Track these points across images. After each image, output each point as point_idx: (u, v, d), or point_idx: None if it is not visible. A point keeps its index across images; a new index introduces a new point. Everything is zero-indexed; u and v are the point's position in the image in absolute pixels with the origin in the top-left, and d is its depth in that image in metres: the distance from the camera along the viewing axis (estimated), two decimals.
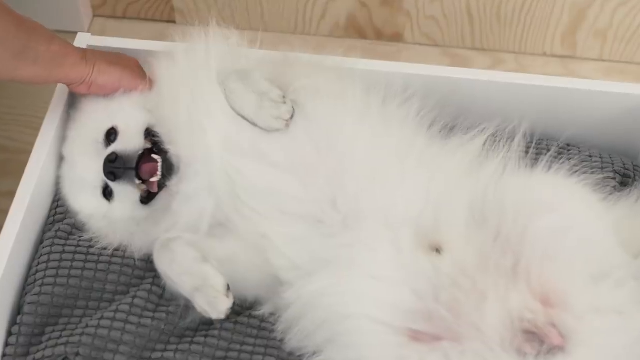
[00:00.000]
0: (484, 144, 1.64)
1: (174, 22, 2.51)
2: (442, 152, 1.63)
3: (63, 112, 1.77)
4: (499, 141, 1.64)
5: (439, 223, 1.56)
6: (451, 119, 1.68)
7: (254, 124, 1.61)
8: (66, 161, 1.72)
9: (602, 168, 1.75)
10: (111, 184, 1.61)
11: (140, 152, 1.60)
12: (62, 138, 1.75)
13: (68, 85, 1.67)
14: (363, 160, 1.58)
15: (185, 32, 2.34)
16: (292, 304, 1.56)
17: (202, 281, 1.51)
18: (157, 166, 1.60)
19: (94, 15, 2.52)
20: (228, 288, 1.51)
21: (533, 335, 1.46)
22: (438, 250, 1.54)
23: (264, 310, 1.62)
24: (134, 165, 1.59)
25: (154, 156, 1.60)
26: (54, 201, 1.76)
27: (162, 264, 1.56)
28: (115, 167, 1.58)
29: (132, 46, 1.87)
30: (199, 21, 2.45)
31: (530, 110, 1.68)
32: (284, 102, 1.60)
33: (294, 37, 2.45)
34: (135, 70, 1.68)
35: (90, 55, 1.63)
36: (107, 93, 1.66)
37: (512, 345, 1.45)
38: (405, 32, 2.42)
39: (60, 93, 1.80)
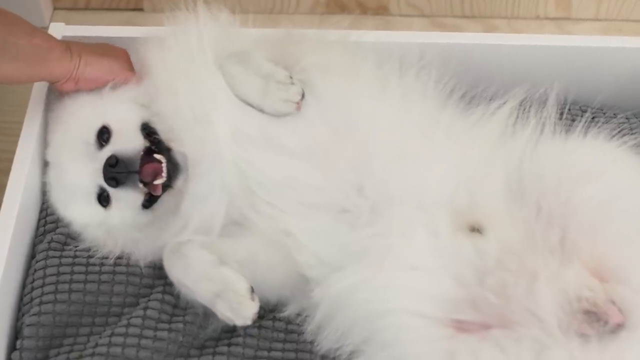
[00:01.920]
0: (514, 111, 1.51)
1: (141, 9, 2.34)
2: (470, 123, 1.50)
3: (43, 114, 1.61)
4: (529, 108, 1.52)
5: (475, 200, 1.44)
6: (471, 88, 1.54)
7: (261, 110, 1.47)
8: (52, 167, 1.55)
9: None
10: (110, 190, 1.45)
11: (141, 153, 1.44)
12: (44, 142, 1.59)
13: (52, 84, 1.50)
14: (387, 140, 1.45)
15: (156, 19, 2.20)
16: (321, 303, 1.43)
17: (222, 286, 1.38)
18: (162, 167, 1.44)
19: (54, 8, 2.34)
20: (252, 291, 1.38)
21: (591, 315, 1.34)
22: (478, 230, 1.42)
23: (289, 311, 1.48)
24: (137, 168, 1.43)
25: (157, 156, 1.45)
26: (41, 209, 1.60)
27: (176, 271, 1.42)
28: (116, 172, 1.42)
29: (114, 34, 1.71)
30: (169, 7, 2.32)
31: (559, 73, 1.55)
32: (292, 83, 1.46)
33: (272, 17, 2.30)
34: (125, 60, 1.52)
35: (75, 47, 1.47)
36: (97, 87, 1.50)
37: (572, 327, 1.33)
38: (390, 3, 2.30)
39: (38, 93, 1.63)
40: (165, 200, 1.48)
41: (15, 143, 2.09)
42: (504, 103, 1.51)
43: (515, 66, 1.61)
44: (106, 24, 2.25)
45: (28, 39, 1.40)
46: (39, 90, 1.63)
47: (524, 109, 1.52)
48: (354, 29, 1.73)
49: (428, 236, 1.41)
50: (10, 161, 2.07)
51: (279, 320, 1.48)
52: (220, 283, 1.38)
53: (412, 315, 1.38)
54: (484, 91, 1.55)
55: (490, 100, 1.54)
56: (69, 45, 1.46)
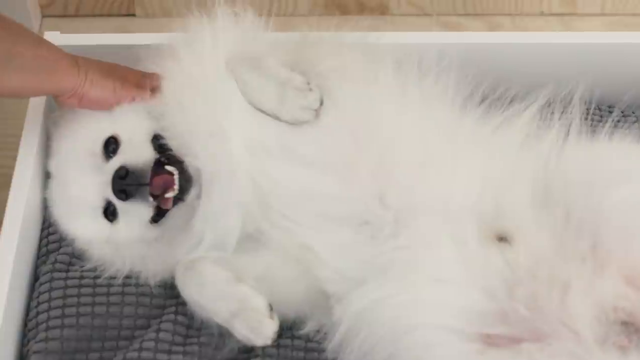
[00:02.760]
0: (538, 113, 1.45)
1: (133, 15, 2.27)
2: (493, 127, 1.43)
3: (42, 125, 1.53)
4: (553, 109, 1.45)
5: (501, 208, 1.38)
6: (491, 90, 1.47)
7: (277, 118, 1.40)
8: (55, 179, 1.47)
9: None
10: (118, 204, 1.37)
11: (152, 165, 1.37)
12: (45, 154, 1.51)
13: (57, 97, 1.41)
14: (409, 147, 1.38)
15: (149, 24, 2.13)
16: (343, 320, 1.36)
17: (240, 304, 1.31)
18: (174, 179, 1.37)
19: (43, 16, 2.26)
20: (271, 308, 1.32)
21: (629, 326, 1.28)
22: (505, 239, 1.35)
23: (308, 328, 1.41)
24: (148, 181, 1.36)
25: (168, 167, 1.38)
26: (43, 228, 1.52)
27: (190, 290, 1.35)
28: (127, 184, 1.34)
29: (112, 41, 1.64)
30: (162, 13, 2.25)
31: (583, 71, 1.48)
32: (310, 89, 1.39)
33: (268, 20, 2.22)
34: (133, 81, 1.43)
35: (83, 63, 1.38)
36: (100, 108, 1.42)
37: (609, 340, 1.27)
38: (391, 3, 2.23)
39: (36, 105, 1.55)
40: (175, 214, 1.41)
41: (9, 157, 2.03)
42: (527, 105, 1.45)
43: (537, 66, 1.55)
44: (98, 31, 2.20)
45: (34, 50, 1.33)
46: (36, 101, 1.55)
47: (548, 111, 1.46)
48: (354, 29, 1.67)
49: (454, 247, 1.34)
50: (4, 176, 2.01)
51: (298, 338, 1.41)
52: (238, 301, 1.32)
53: (439, 330, 1.32)
54: (504, 93, 1.48)
55: (511, 102, 1.47)
56: (77, 60, 1.38)
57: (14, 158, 2.01)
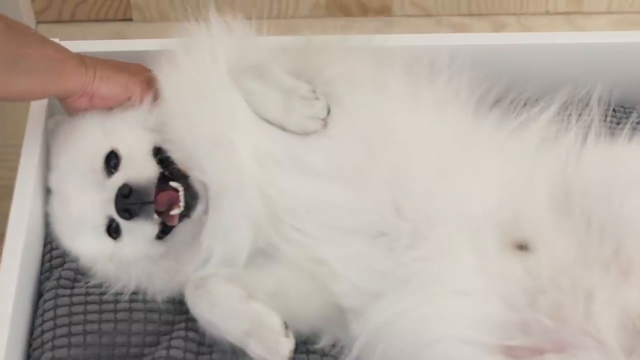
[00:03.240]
0: (555, 117, 1.40)
1: (130, 19, 2.22)
2: (508, 132, 1.39)
3: (43, 136, 1.48)
4: (570, 112, 1.41)
5: (520, 215, 1.34)
6: (505, 93, 1.43)
7: (283, 128, 1.35)
8: (56, 195, 1.42)
9: None
10: (122, 222, 1.33)
11: (156, 181, 1.32)
12: (46, 167, 1.46)
13: (64, 100, 1.37)
14: (424, 154, 1.34)
15: (147, 29, 2.08)
16: (362, 334, 1.31)
17: (254, 323, 1.27)
18: (179, 196, 1.32)
19: (37, 22, 2.21)
20: (286, 326, 1.27)
21: None
22: (526, 248, 1.31)
23: (323, 343, 1.36)
24: (152, 199, 1.31)
25: (173, 183, 1.33)
26: (46, 243, 1.47)
27: (200, 309, 1.30)
28: (130, 203, 1.30)
29: (112, 48, 1.58)
30: (160, 17, 2.20)
31: (600, 72, 1.44)
32: (317, 98, 1.34)
33: (269, 22, 2.17)
34: (141, 77, 1.39)
35: (90, 61, 1.34)
36: (112, 105, 1.37)
37: (636, 349, 1.23)
38: (394, 4, 2.20)
39: (36, 113, 1.50)
40: (181, 229, 1.37)
41: (7, 168, 1.98)
42: (544, 108, 1.41)
43: (551, 67, 1.51)
44: (93, 37, 2.15)
45: (40, 50, 1.28)
46: (37, 109, 1.50)
47: (565, 113, 1.41)
48: (357, 32, 1.63)
49: (474, 257, 1.30)
50: (4, 187, 1.95)
51: (313, 352, 1.36)
52: (251, 320, 1.27)
53: (461, 342, 1.28)
54: (517, 96, 1.44)
55: (524, 105, 1.43)
56: (83, 58, 1.34)
57: (13, 169, 1.97)
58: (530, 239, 1.32)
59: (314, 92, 1.35)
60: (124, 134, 1.38)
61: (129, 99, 1.37)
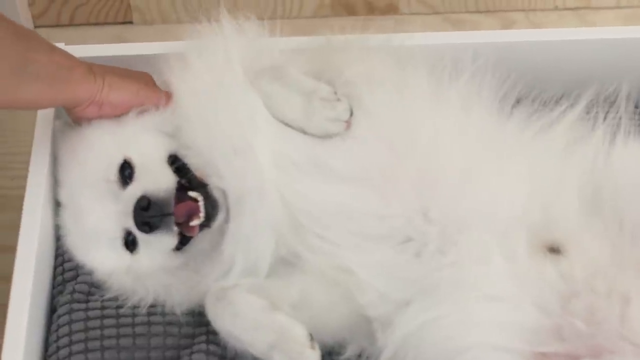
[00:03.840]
0: (582, 114, 1.36)
1: (130, 22, 2.17)
2: (534, 131, 1.35)
3: (51, 146, 1.42)
4: (597, 109, 1.37)
5: (550, 217, 1.30)
6: (529, 91, 1.39)
7: (304, 132, 1.31)
8: (67, 209, 1.37)
9: None
10: (139, 235, 1.28)
11: (174, 191, 1.27)
12: (55, 180, 1.40)
13: (72, 109, 1.32)
14: (450, 156, 1.30)
15: (148, 31, 2.03)
16: (389, 343, 1.27)
17: (278, 335, 1.22)
18: (198, 206, 1.27)
19: (35, 26, 2.15)
20: (311, 338, 1.22)
21: None
22: (558, 251, 1.27)
23: (348, 354, 1.32)
24: (172, 210, 1.26)
25: (192, 193, 1.28)
26: (57, 255, 1.42)
27: (222, 321, 1.26)
28: (150, 216, 1.25)
29: (119, 52, 1.54)
30: (161, 19, 2.16)
31: (626, 68, 1.40)
32: (339, 99, 1.30)
33: (273, 23, 2.13)
34: (150, 83, 1.35)
35: (97, 68, 1.30)
36: (122, 112, 1.33)
37: None
38: (401, 2, 2.15)
39: (43, 122, 1.45)
40: (200, 239, 1.32)
41: (6, 177, 1.93)
42: (569, 107, 1.37)
43: (576, 64, 1.47)
44: (93, 41, 2.09)
45: (48, 56, 1.23)
46: (43, 118, 1.45)
47: (592, 111, 1.38)
48: (363, 31, 1.59)
49: (504, 261, 1.26)
50: (2, 197, 1.91)
51: None
52: (276, 331, 1.22)
53: (492, 349, 1.24)
54: (540, 94, 1.40)
55: (548, 103, 1.39)
56: (91, 66, 1.29)
57: (14, 178, 1.93)
58: (562, 242, 1.28)
59: (335, 93, 1.30)
60: (136, 141, 1.33)
61: (140, 104, 1.32)
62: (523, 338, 1.24)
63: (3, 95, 1.20)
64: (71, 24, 2.17)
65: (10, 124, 1.99)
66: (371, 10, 2.16)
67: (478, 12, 2.16)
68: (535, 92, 1.40)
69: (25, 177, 1.91)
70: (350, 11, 2.16)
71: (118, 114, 1.32)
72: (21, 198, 1.90)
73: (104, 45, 1.61)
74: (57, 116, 1.46)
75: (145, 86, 1.33)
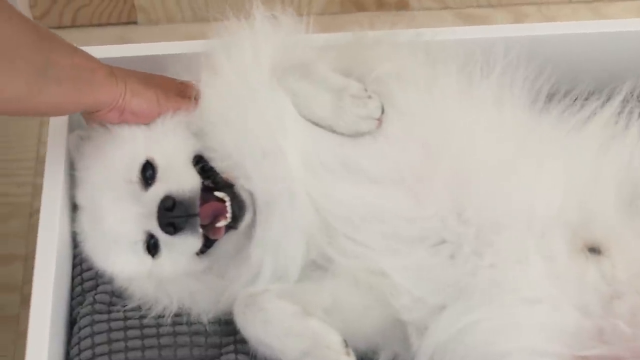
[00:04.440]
0: (617, 109, 1.32)
1: (135, 22, 2.12)
2: (570, 126, 1.30)
3: (66, 154, 1.38)
4: (632, 106, 1.33)
5: (588, 215, 1.26)
6: (560, 85, 1.35)
7: (333, 130, 1.27)
8: (85, 211, 1.32)
9: None
10: (162, 237, 1.23)
11: (199, 192, 1.23)
12: (71, 184, 1.36)
13: (92, 114, 1.27)
14: (485, 154, 1.26)
15: (153, 31, 1.99)
16: (425, 349, 1.23)
17: (312, 342, 1.18)
18: (225, 207, 1.22)
19: None
20: (346, 344, 1.18)
21: None
22: (598, 250, 1.23)
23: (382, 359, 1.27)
24: (197, 211, 1.21)
25: (218, 193, 1.23)
26: (75, 264, 1.37)
27: (253, 329, 1.21)
28: (175, 217, 1.20)
29: (130, 53, 1.49)
30: (166, 19, 2.10)
31: None
32: (369, 96, 1.25)
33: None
34: (173, 90, 1.30)
35: (120, 73, 1.24)
36: (143, 121, 1.28)
37: None
38: None
39: (57, 129, 1.40)
40: (224, 242, 1.28)
41: (13, 184, 1.88)
42: (603, 102, 1.33)
43: (612, 56, 1.43)
44: (97, 42, 2.02)
45: (70, 57, 1.18)
46: (57, 125, 1.40)
47: (626, 106, 1.33)
48: (374, 27, 1.55)
49: (543, 262, 1.22)
50: (10, 205, 1.86)
51: None
52: (309, 338, 1.18)
53: (533, 354, 1.20)
54: (571, 89, 1.36)
55: (584, 98, 1.35)
56: (113, 70, 1.24)
57: (21, 185, 1.88)
58: (602, 241, 1.24)
59: (366, 90, 1.26)
60: (161, 142, 1.28)
61: (162, 114, 1.28)
62: (563, 341, 1.20)
63: (26, 101, 1.15)
64: (73, 25, 2.12)
65: (13, 129, 1.94)
66: (381, 5, 2.11)
67: (490, 6, 2.12)
68: (565, 87, 1.35)
69: (31, 184, 1.89)
70: (360, 7, 2.11)
71: (138, 121, 1.28)
72: (28, 205, 1.87)
73: (109, 46, 1.55)
74: (70, 123, 1.41)
75: (165, 96, 1.27)
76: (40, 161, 1.88)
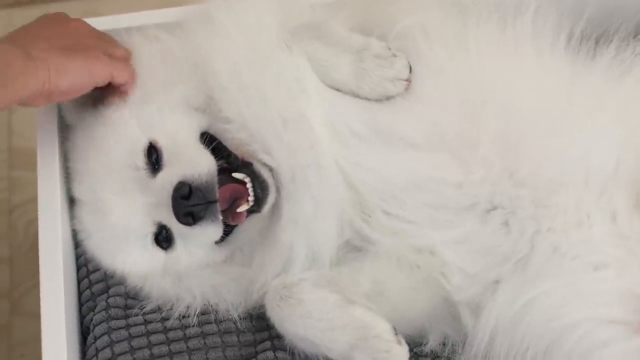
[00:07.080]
0: None
1: None
2: (616, 74, 1.19)
3: (59, 144, 1.22)
4: None
5: None
6: (595, 28, 1.23)
7: (357, 96, 1.14)
8: (86, 206, 1.19)
9: None
10: (177, 228, 1.11)
11: (216, 174, 1.10)
12: (66, 177, 1.22)
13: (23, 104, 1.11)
14: (532, 109, 1.15)
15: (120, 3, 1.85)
16: (482, 328, 1.12)
17: (359, 332, 1.07)
18: (247, 189, 1.10)
19: None
20: (396, 332, 1.07)
21: None
22: None
23: (432, 343, 1.17)
24: (216, 197, 1.08)
25: (237, 175, 1.11)
26: (79, 266, 1.23)
27: (291, 324, 1.10)
28: (192, 206, 1.07)
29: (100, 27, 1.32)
30: None
31: None
32: (394, 55, 1.13)
33: None
34: (99, 49, 1.14)
35: (37, 52, 1.07)
36: (77, 95, 1.13)
37: None
38: None
39: (45, 117, 1.25)
40: (245, 228, 1.15)
41: None
42: None
43: None
44: None
45: None
46: (46, 113, 1.25)
47: None
48: None
49: (605, 223, 1.12)
50: None
51: (424, 356, 1.17)
52: (356, 329, 1.07)
53: (602, 323, 1.11)
54: (607, 30, 1.25)
55: (622, 41, 1.23)
56: (29, 52, 1.06)
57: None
58: None
59: (390, 48, 1.13)
60: (162, 120, 1.15)
61: (96, 84, 1.13)
62: (633, 307, 1.10)
63: None
64: (32, 3, 1.95)
65: None
66: None
67: None
68: (600, 28, 1.24)
69: (6, 178, 1.73)
70: None
71: (70, 98, 1.14)
72: (6, 201, 1.71)
73: None
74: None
75: (97, 60, 1.12)
76: (13, 152, 1.73)
